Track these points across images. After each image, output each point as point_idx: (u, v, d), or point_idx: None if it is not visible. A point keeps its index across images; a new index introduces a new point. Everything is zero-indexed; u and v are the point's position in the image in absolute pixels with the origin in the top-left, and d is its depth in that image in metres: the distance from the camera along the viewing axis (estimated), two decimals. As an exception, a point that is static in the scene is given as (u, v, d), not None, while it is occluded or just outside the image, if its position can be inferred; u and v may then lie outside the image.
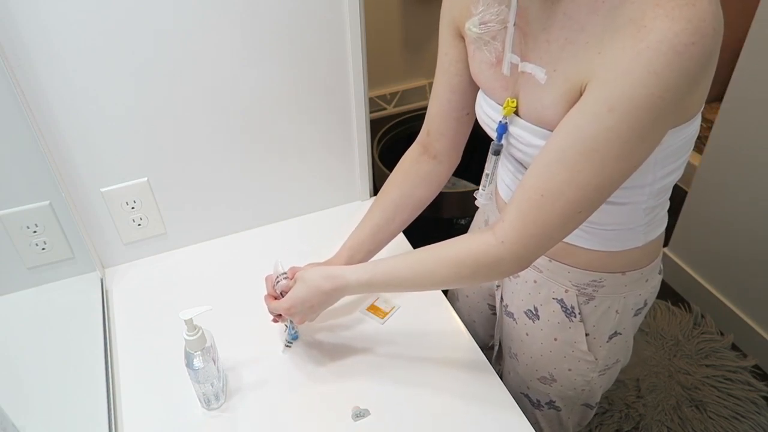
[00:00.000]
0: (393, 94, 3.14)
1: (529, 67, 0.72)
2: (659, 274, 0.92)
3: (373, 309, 1.07)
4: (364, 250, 0.98)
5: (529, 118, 0.74)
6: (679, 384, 1.86)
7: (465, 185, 2.34)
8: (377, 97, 3.10)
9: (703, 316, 2.08)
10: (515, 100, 0.75)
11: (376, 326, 1.04)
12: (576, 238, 0.84)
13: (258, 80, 1.07)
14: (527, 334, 0.99)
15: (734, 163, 1.84)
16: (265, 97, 1.09)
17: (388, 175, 1.93)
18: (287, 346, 0.99)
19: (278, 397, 0.93)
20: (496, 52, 0.76)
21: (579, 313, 0.90)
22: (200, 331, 0.84)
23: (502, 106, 0.77)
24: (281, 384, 0.95)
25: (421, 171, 0.96)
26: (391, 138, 2.33)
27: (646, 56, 0.58)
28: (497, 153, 0.83)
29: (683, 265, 2.15)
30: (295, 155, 1.20)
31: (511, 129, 0.77)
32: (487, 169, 0.86)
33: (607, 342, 0.93)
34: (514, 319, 1.00)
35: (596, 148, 0.63)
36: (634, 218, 0.81)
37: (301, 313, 0.89)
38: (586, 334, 0.92)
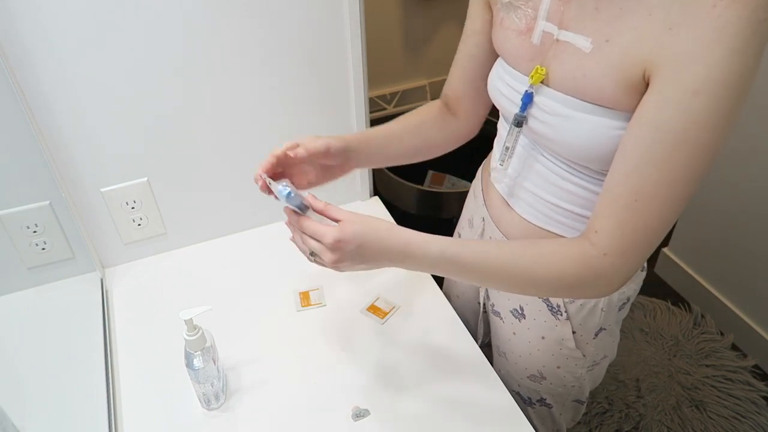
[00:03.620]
0: (393, 94, 3.13)
1: (569, 36, 0.69)
2: (642, 271, 0.92)
3: (373, 309, 1.07)
4: (373, 145, 0.87)
5: (561, 88, 0.71)
6: (679, 384, 1.86)
7: (465, 185, 2.34)
8: (377, 97, 3.10)
9: (703, 316, 2.08)
10: (545, 69, 0.72)
11: (376, 326, 1.04)
12: (572, 232, 0.83)
13: (258, 80, 1.07)
14: (514, 333, 0.99)
15: (734, 163, 1.84)
16: (265, 96, 1.09)
17: (388, 176, 1.91)
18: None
19: (278, 397, 0.93)
20: (527, 19, 0.74)
21: (565, 311, 0.90)
22: (200, 331, 0.84)
23: (527, 75, 0.74)
24: (281, 384, 0.95)
25: (439, 119, 0.95)
26: (391, 138, 2.33)
27: (726, 33, 0.56)
28: (519, 125, 0.78)
29: (683, 265, 2.15)
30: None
31: (536, 98, 0.74)
32: (508, 142, 0.82)
33: (594, 338, 0.93)
34: (501, 318, 1.01)
35: (685, 139, 0.61)
36: None
37: (350, 256, 0.69)
38: (573, 332, 0.92)
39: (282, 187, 0.73)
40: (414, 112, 0.95)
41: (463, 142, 0.97)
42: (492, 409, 0.91)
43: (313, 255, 0.72)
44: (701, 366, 1.92)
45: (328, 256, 0.69)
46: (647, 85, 0.63)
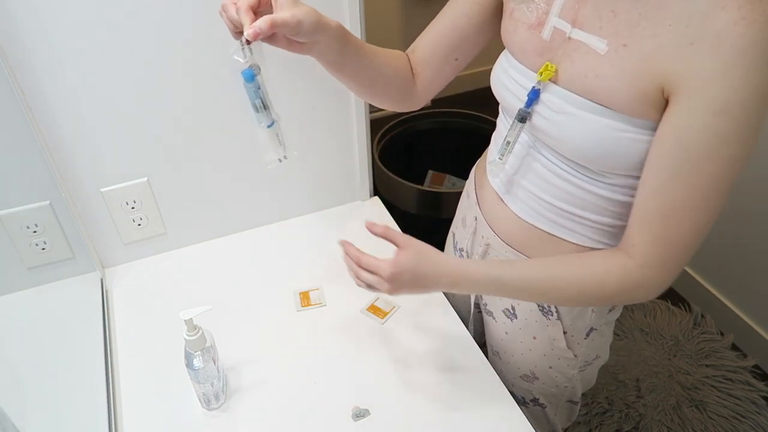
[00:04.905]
0: (393, 94, 3.14)
1: (583, 36, 0.68)
2: None
3: (373, 309, 1.07)
4: (348, 45, 0.77)
5: (570, 86, 0.70)
6: (679, 384, 1.86)
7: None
8: (377, 97, 3.10)
9: (703, 316, 2.08)
10: (555, 66, 0.71)
11: (376, 326, 1.04)
12: (565, 231, 0.83)
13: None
14: (507, 333, 0.99)
15: (734, 163, 1.84)
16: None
17: (388, 175, 1.92)
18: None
19: (278, 397, 0.93)
20: (538, 13, 0.73)
21: (556, 312, 0.90)
22: (200, 331, 0.84)
23: (534, 71, 0.74)
24: (281, 384, 0.95)
25: (404, 69, 0.88)
26: (391, 138, 2.33)
27: (749, 54, 0.55)
28: (523, 120, 0.77)
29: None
30: (296, 155, 1.20)
31: (543, 95, 0.74)
32: (509, 137, 0.80)
33: (585, 339, 0.94)
34: (494, 318, 1.01)
35: (709, 157, 0.62)
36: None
37: (405, 286, 0.76)
38: (564, 332, 0.92)
39: (249, 68, 0.68)
40: (389, 50, 0.88)
41: (403, 110, 0.91)
42: (491, 409, 0.91)
43: (370, 286, 0.78)
44: (701, 366, 1.91)
45: (385, 287, 0.75)
46: (666, 100, 0.63)
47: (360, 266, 0.77)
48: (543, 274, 0.76)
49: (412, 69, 0.89)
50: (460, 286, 0.77)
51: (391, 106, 0.90)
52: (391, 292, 0.76)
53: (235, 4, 0.66)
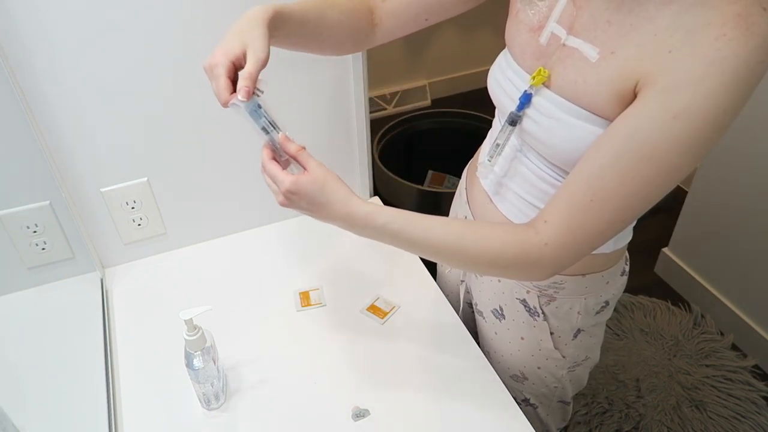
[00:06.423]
0: (393, 94, 3.13)
1: (577, 43, 0.69)
2: (622, 275, 0.92)
3: (373, 309, 1.07)
4: (293, 20, 0.79)
5: (561, 92, 0.71)
6: (679, 384, 1.86)
7: (465, 185, 2.33)
8: (377, 97, 3.10)
9: (703, 316, 2.08)
10: (548, 71, 0.72)
11: (376, 326, 1.04)
12: None
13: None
14: (496, 333, 1.00)
15: (734, 162, 1.84)
16: (265, 96, 1.09)
17: (388, 175, 1.92)
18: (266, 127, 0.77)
19: (278, 397, 0.93)
20: (539, 17, 0.74)
21: (542, 313, 0.91)
22: (200, 331, 0.84)
23: (529, 74, 0.74)
24: (281, 384, 0.95)
25: (363, 18, 0.86)
26: (391, 138, 2.33)
27: (721, 67, 0.56)
28: (514, 123, 0.77)
29: (683, 265, 2.15)
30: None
31: (534, 99, 0.74)
32: (499, 139, 0.81)
33: (573, 340, 0.94)
34: (484, 318, 1.02)
35: (652, 156, 0.62)
36: None
37: (299, 207, 0.74)
38: (551, 333, 0.92)
39: (240, 99, 0.74)
40: (342, 6, 0.84)
41: (367, 46, 0.91)
42: (491, 409, 0.91)
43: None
44: (701, 366, 1.92)
45: (280, 198, 0.73)
46: (635, 96, 0.64)
47: (263, 170, 0.75)
48: (442, 231, 0.73)
49: (372, 17, 0.87)
50: (354, 229, 0.75)
51: (339, 54, 0.93)
52: (284, 206, 0.74)
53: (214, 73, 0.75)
